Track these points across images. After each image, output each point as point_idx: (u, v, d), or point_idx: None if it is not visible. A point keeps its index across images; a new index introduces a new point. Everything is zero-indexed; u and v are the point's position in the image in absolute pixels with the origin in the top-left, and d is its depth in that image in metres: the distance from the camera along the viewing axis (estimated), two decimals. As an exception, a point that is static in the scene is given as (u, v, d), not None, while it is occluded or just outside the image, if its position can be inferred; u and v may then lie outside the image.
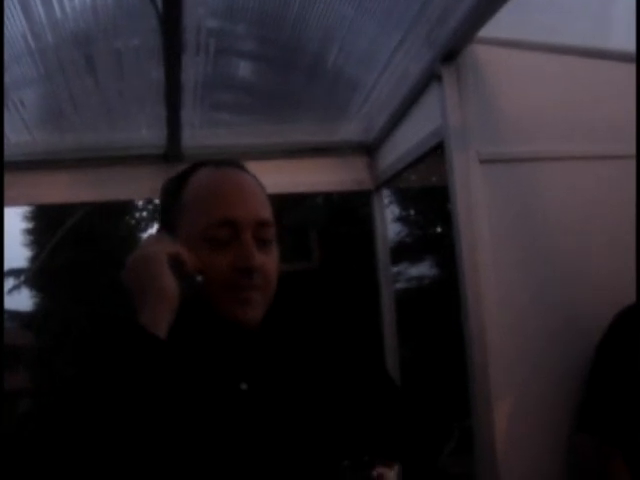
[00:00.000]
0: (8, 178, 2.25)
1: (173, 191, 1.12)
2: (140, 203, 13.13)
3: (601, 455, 1.82)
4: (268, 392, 1.05)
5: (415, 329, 7.78)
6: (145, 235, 13.25)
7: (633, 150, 1.88)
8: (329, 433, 1.03)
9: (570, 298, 2.00)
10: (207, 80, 2.30)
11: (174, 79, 2.04)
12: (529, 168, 2.06)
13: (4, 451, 0.90)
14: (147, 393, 0.90)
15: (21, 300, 13.55)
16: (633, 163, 1.85)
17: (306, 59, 2.30)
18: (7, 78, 2.07)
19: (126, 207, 13.01)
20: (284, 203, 7.56)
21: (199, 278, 1.03)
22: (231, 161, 1.16)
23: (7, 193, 2.25)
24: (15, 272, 13.41)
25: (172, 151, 2.64)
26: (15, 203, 2.88)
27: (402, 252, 10.05)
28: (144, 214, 13.70)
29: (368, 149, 2.89)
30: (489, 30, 1.86)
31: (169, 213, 1.11)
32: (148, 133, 2.69)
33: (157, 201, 1.23)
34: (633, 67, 1.93)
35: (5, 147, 2.43)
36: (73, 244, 11.93)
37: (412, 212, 10.94)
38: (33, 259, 13.48)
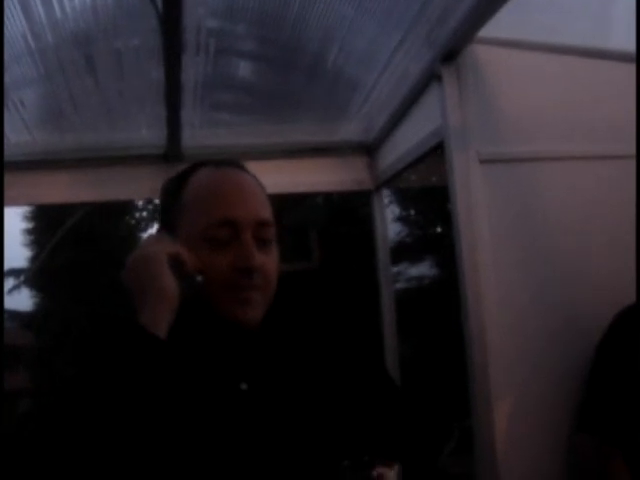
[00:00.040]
0: (8, 178, 2.25)
1: (173, 191, 1.12)
2: (140, 203, 13.13)
3: (601, 455, 1.82)
4: (268, 392, 1.05)
5: (415, 329, 7.78)
6: (145, 235, 13.26)
7: (633, 150, 1.88)
8: (329, 433, 1.03)
9: (570, 298, 2.00)
10: (207, 80, 2.30)
11: (174, 79, 2.04)
12: (529, 168, 2.06)
13: (4, 451, 0.90)
14: (147, 393, 0.90)
15: (21, 300, 13.57)
16: (633, 163, 1.85)
17: (306, 59, 2.30)
18: (7, 78, 2.07)
19: (126, 207, 13.02)
20: (284, 203, 7.56)
21: (199, 278, 1.03)
22: (231, 161, 1.16)
23: (7, 193, 2.25)
24: (15, 272, 13.42)
25: (172, 151, 2.64)
26: (15, 203, 2.88)
27: (402, 252, 10.05)
28: (144, 214, 13.71)
29: (368, 149, 2.89)
30: (489, 30, 1.86)
31: (169, 213, 1.11)
32: (148, 133, 2.69)
33: (157, 201, 1.23)
34: (633, 67, 1.93)
35: (5, 147, 2.43)
36: (73, 244, 11.93)
37: (412, 212, 10.94)
38: (33, 259, 13.48)
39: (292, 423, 1.04)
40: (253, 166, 1.16)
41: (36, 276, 13.08)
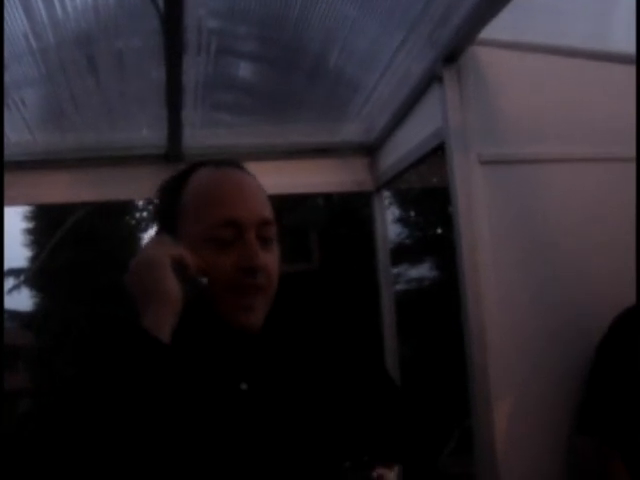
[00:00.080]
0: (8, 178, 2.25)
1: (172, 192, 1.11)
2: (140, 203, 13.12)
3: (601, 456, 1.82)
4: (268, 393, 1.05)
5: (415, 330, 7.78)
6: (145, 235, 13.28)
7: (633, 152, 1.88)
8: (329, 434, 1.03)
9: (570, 299, 2.00)
10: (208, 80, 2.30)
11: (175, 79, 2.04)
12: (529, 169, 2.06)
13: (4, 451, 0.90)
14: (148, 395, 0.90)
15: (21, 300, 13.58)
16: (633, 165, 1.85)
17: (307, 59, 2.30)
18: (8, 77, 2.07)
19: (126, 207, 13.02)
20: (284, 204, 7.56)
21: (203, 280, 1.03)
22: (230, 161, 1.15)
23: (7, 193, 2.25)
24: (15, 272, 13.43)
25: (173, 151, 2.64)
26: (15, 203, 2.88)
27: (402, 253, 10.05)
28: (144, 214, 13.71)
29: (369, 150, 2.89)
30: (490, 32, 1.86)
31: (168, 214, 1.10)
32: (149, 133, 2.69)
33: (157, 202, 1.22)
34: (633, 69, 1.93)
35: (5, 147, 2.43)
36: (73, 244, 11.94)
37: (412, 213, 10.94)
38: (33, 259, 13.48)
39: (292, 423, 1.04)
40: (254, 167, 1.16)
41: (36, 276, 13.08)
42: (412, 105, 2.37)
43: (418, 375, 6.74)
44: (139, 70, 2.21)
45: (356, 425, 1.05)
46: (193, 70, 2.15)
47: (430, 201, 9.99)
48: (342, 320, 1.26)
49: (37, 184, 2.65)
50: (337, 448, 0.98)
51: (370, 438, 1.04)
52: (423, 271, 10.67)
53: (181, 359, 0.96)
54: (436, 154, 2.23)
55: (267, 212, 1.09)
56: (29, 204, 10.22)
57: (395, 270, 9.58)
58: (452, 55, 1.98)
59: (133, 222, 13.95)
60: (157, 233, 1.13)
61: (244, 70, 2.49)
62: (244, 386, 1.03)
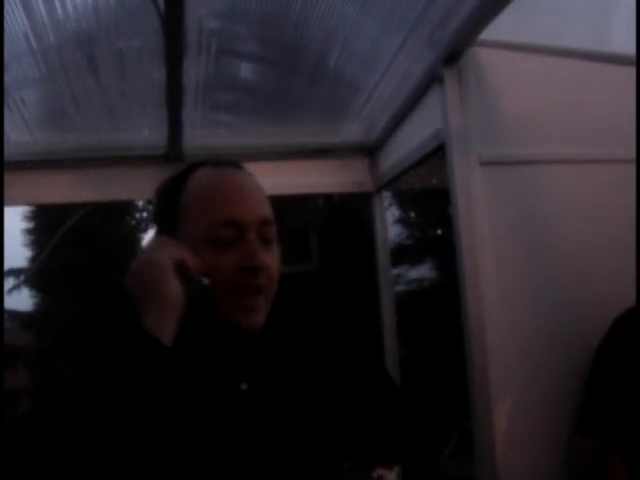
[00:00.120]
0: (8, 178, 2.25)
1: (171, 192, 1.11)
2: (141, 203, 13.14)
3: (601, 456, 1.83)
4: (268, 393, 1.05)
5: (415, 331, 7.79)
6: (145, 235, 13.28)
7: (633, 154, 1.88)
8: (329, 434, 1.03)
9: (570, 299, 2.00)
10: (208, 81, 2.30)
11: (175, 79, 2.04)
12: (530, 171, 2.07)
13: (4, 451, 0.90)
14: (148, 395, 0.90)
15: (21, 300, 13.60)
16: (633, 167, 1.86)
17: (308, 60, 2.30)
18: (8, 77, 2.07)
19: (127, 207, 13.03)
20: (284, 204, 7.56)
21: (205, 281, 1.02)
22: (229, 161, 1.15)
23: (7, 193, 2.25)
24: (15, 272, 13.44)
25: (173, 151, 2.64)
26: (15, 203, 2.88)
27: (402, 254, 10.06)
28: (144, 214, 13.71)
29: (369, 151, 2.89)
30: (491, 33, 1.86)
31: (167, 214, 1.10)
32: (149, 133, 2.69)
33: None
34: (633, 70, 1.93)
35: (5, 147, 2.43)
36: (73, 244, 11.95)
37: (412, 214, 10.95)
38: (33, 259, 13.49)
39: (292, 424, 1.04)
40: (254, 167, 1.16)
41: (36, 276, 13.09)
42: (412, 106, 2.37)
43: (418, 376, 6.75)
44: (139, 70, 2.20)
45: (356, 425, 1.05)
46: (193, 70, 2.15)
47: (430, 202, 10.00)
48: (342, 321, 1.26)
49: (37, 184, 2.65)
50: (337, 448, 0.98)
51: (370, 438, 1.04)
52: (423, 272, 10.68)
53: (182, 360, 0.96)
54: (436, 155, 2.23)
55: (267, 212, 1.09)
56: (29, 204, 10.23)
57: (395, 271, 9.59)
58: (452, 56, 1.98)
59: (133, 222, 13.96)
60: (157, 234, 1.12)
61: (244, 70, 2.49)
62: (244, 386, 1.03)
